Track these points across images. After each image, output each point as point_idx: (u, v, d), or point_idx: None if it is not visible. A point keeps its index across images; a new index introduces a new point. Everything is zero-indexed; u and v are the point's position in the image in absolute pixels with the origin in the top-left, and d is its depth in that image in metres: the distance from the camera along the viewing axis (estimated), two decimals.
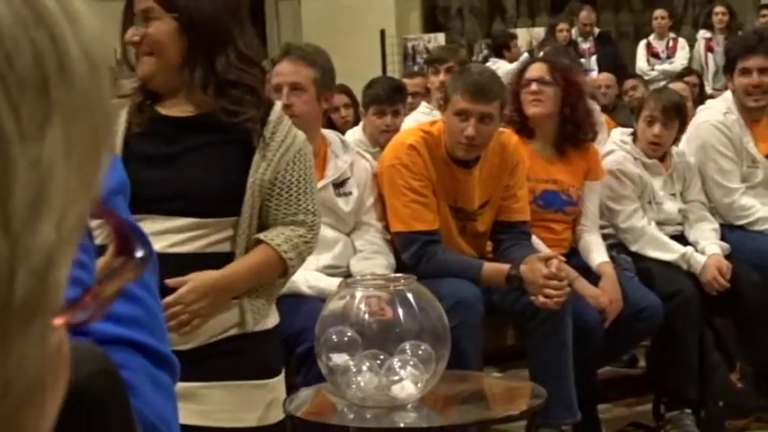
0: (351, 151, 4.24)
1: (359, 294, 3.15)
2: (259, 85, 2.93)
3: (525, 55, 10.38)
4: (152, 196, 2.78)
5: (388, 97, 5.67)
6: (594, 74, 10.13)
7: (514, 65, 10.05)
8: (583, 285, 4.41)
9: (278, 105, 3.02)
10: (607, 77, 8.92)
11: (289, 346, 3.71)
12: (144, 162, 2.86)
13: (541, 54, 7.11)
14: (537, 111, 4.63)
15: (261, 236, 2.92)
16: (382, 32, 14.01)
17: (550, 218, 4.67)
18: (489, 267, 4.22)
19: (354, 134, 5.77)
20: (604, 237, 4.82)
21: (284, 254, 2.92)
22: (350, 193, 4.14)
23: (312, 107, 3.98)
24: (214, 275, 2.86)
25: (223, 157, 2.89)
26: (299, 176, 2.97)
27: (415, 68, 13.88)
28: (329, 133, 4.27)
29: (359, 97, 6.34)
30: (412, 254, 4.23)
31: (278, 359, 3.11)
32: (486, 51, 13.17)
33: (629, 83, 9.13)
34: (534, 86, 4.63)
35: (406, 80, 6.57)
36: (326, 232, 4.01)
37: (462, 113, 4.16)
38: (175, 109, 2.94)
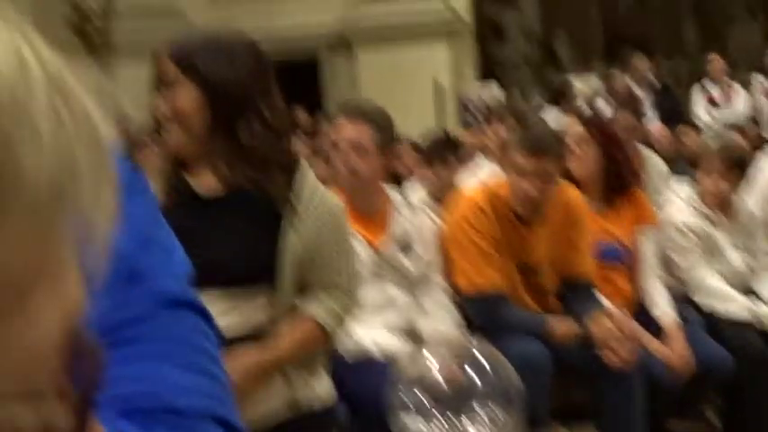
0: (415, 210, 4.26)
1: (429, 356, 3.16)
2: (284, 153, 2.90)
3: (581, 104, 10.39)
4: None
5: (442, 150, 5.72)
6: (653, 121, 10.11)
7: (570, 114, 10.10)
8: (651, 343, 4.40)
9: (305, 168, 2.97)
10: (662, 127, 8.92)
11: (357, 409, 3.73)
12: (176, 236, 2.83)
13: (606, 107, 7.10)
14: (580, 170, 4.70)
15: (303, 308, 2.91)
16: (437, 85, 14.07)
17: (609, 270, 4.67)
18: (556, 323, 4.22)
19: (414, 190, 5.81)
20: (669, 288, 4.79)
21: (323, 322, 2.91)
22: (414, 252, 4.15)
23: (373, 165, 3.94)
24: (254, 353, 2.84)
25: (252, 227, 2.86)
26: (331, 240, 2.94)
27: (470, 121, 13.96)
28: (392, 192, 4.27)
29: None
30: (479, 311, 4.23)
31: None
32: (540, 101, 13.21)
33: (685, 131, 9.10)
34: (575, 147, 4.70)
35: (463, 134, 6.62)
36: (392, 291, 4.03)
37: (521, 171, 4.17)
38: (203, 179, 2.91)
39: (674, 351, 4.41)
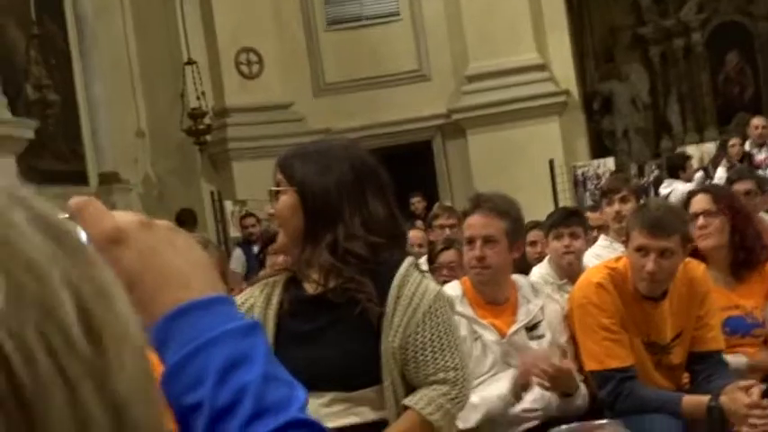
0: (541, 295, 4.28)
1: None
2: (377, 257, 2.91)
3: (700, 174, 10.28)
4: (299, 373, 2.80)
5: (564, 219, 5.70)
6: None
7: (690, 185, 9.98)
8: None
9: (409, 266, 2.99)
10: None
11: None
12: (291, 340, 2.91)
13: (726, 176, 7.00)
14: (707, 244, 4.66)
15: (406, 401, 2.91)
16: (551, 162, 14.06)
17: (739, 343, 4.59)
18: (689, 400, 4.15)
19: (540, 269, 5.79)
20: None
21: (429, 416, 2.89)
22: (542, 336, 4.16)
23: (504, 258, 4.09)
24: None
25: (355, 330, 2.90)
26: (433, 335, 2.93)
27: (587, 195, 13.89)
28: (519, 278, 4.32)
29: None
30: (608, 392, 4.19)
31: None
32: (656, 171, 13.09)
33: None
34: (701, 220, 4.67)
35: (588, 213, 6.58)
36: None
37: (642, 249, 4.14)
38: (310, 284, 2.97)
39: None
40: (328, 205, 2.89)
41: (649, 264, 4.11)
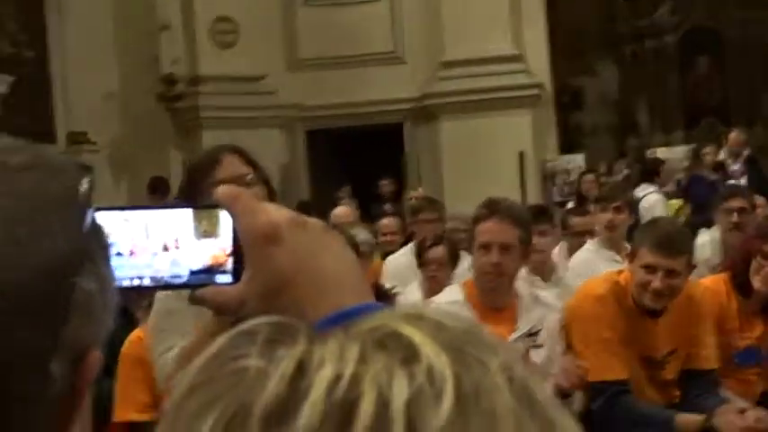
0: (540, 303, 4.30)
1: None
2: None
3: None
4: None
5: (533, 218, 5.72)
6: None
7: (664, 190, 10.10)
8: None
9: None
10: (761, 200, 8.81)
11: None
12: None
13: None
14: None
15: None
16: (521, 154, 14.11)
17: (747, 372, 4.64)
18: (682, 418, 4.19)
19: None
20: None
21: None
22: (541, 345, 4.18)
23: (517, 265, 4.12)
24: None
25: None
26: None
27: (555, 190, 13.96)
28: (521, 287, 4.33)
29: None
30: (602, 404, 4.23)
31: None
32: (625, 171, 13.17)
33: None
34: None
35: (575, 219, 6.63)
36: None
37: (649, 267, 4.17)
38: None
39: None
40: None
41: (656, 282, 4.14)
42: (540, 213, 5.91)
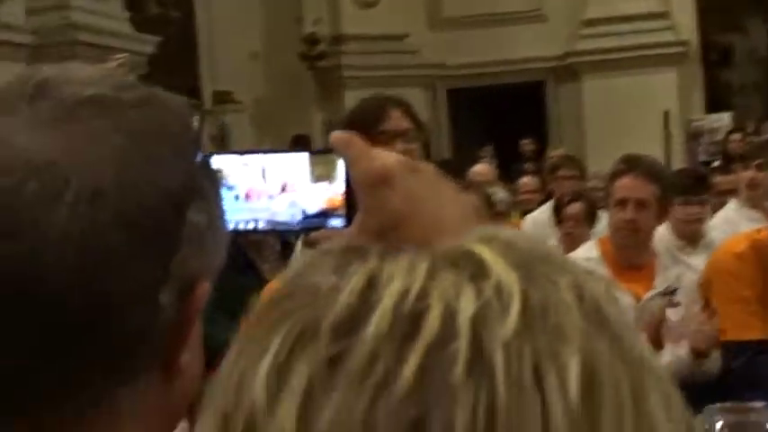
0: (679, 262, 4.25)
1: (718, 423, 3.12)
2: None
3: None
4: None
5: (694, 188, 5.61)
6: None
7: None
8: None
9: None
10: None
11: None
12: None
13: None
14: None
15: None
16: (666, 113, 13.86)
17: None
18: None
19: (660, 230, 5.73)
20: None
21: None
22: (678, 304, 4.13)
23: (653, 222, 4.08)
24: None
25: None
26: None
27: (700, 150, 13.67)
28: (658, 244, 4.28)
29: None
30: (742, 363, 4.16)
31: None
32: None
33: None
34: None
35: (718, 178, 6.50)
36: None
37: None
38: None
39: None
40: None
41: None
42: (699, 182, 5.77)
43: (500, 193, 5.33)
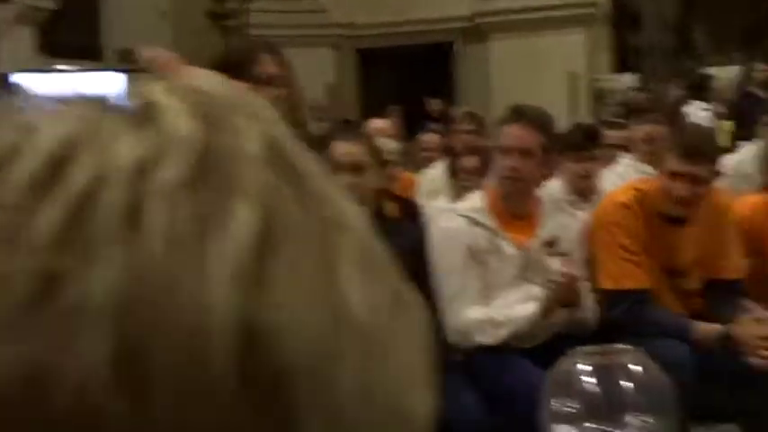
0: (563, 211, 4.26)
1: (581, 365, 3.13)
2: None
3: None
4: None
5: (584, 143, 5.62)
6: None
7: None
8: None
9: None
10: None
11: (496, 405, 3.77)
12: None
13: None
14: None
15: None
16: (572, 75, 13.93)
17: None
18: (701, 327, 4.15)
19: (551, 184, 5.75)
20: None
21: None
22: (561, 253, 4.13)
23: (537, 172, 4.08)
24: None
25: None
26: None
27: (605, 110, 13.77)
28: (542, 193, 4.29)
29: None
30: (621, 312, 4.19)
31: None
32: (675, 92, 12.97)
33: None
34: None
35: (610, 132, 6.52)
36: (537, 291, 4.02)
37: (675, 174, 4.11)
38: None
39: None
40: None
41: (681, 189, 4.08)
42: (591, 136, 5.78)
43: (390, 144, 5.29)
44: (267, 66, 3.05)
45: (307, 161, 0.51)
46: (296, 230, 0.47)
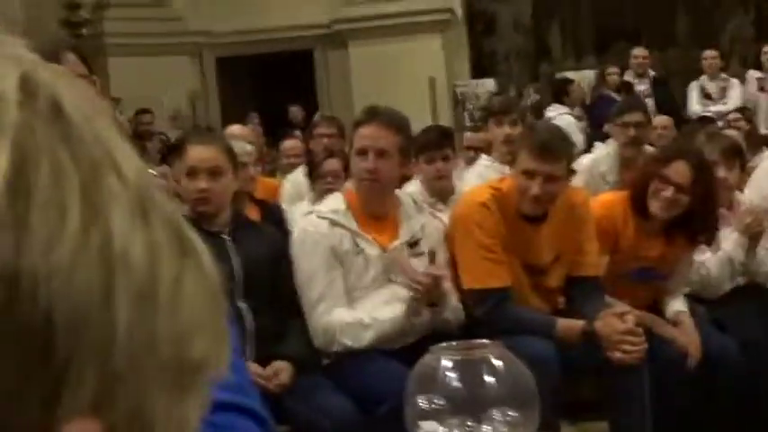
0: (423, 212, 4.27)
1: (444, 361, 3.13)
2: None
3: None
4: None
5: (437, 143, 5.66)
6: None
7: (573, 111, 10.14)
8: (663, 327, 4.40)
9: None
10: (665, 120, 8.82)
11: (365, 407, 3.75)
12: None
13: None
14: (664, 216, 4.46)
15: None
16: (431, 80, 14.03)
17: (640, 288, 4.61)
18: (563, 324, 4.20)
19: (411, 187, 5.77)
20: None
21: None
22: (423, 253, 4.14)
23: (394, 172, 4.08)
24: None
25: None
26: None
27: (466, 115, 13.93)
28: (402, 194, 4.30)
29: None
30: (485, 311, 4.22)
31: None
32: (533, 96, 13.18)
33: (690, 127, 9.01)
34: (671, 193, 4.39)
35: (469, 134, 6.58)
36: (401, 292, 4.02)
37: (529, 173, 4.15)
38: None
39: (683, 334, 4.40)
40: None
41: (535, 187, 4.13)
42: (444, 137, 5.82)
43: (245, 146, 5.24)
44: (74, 66, 3.03)
45: (81, 106, 0.49)
46: (58, 172, 0.45)
